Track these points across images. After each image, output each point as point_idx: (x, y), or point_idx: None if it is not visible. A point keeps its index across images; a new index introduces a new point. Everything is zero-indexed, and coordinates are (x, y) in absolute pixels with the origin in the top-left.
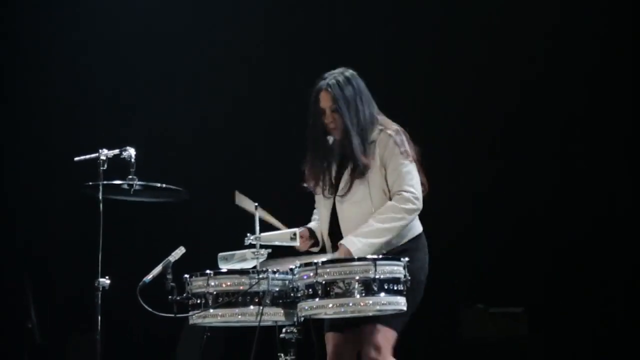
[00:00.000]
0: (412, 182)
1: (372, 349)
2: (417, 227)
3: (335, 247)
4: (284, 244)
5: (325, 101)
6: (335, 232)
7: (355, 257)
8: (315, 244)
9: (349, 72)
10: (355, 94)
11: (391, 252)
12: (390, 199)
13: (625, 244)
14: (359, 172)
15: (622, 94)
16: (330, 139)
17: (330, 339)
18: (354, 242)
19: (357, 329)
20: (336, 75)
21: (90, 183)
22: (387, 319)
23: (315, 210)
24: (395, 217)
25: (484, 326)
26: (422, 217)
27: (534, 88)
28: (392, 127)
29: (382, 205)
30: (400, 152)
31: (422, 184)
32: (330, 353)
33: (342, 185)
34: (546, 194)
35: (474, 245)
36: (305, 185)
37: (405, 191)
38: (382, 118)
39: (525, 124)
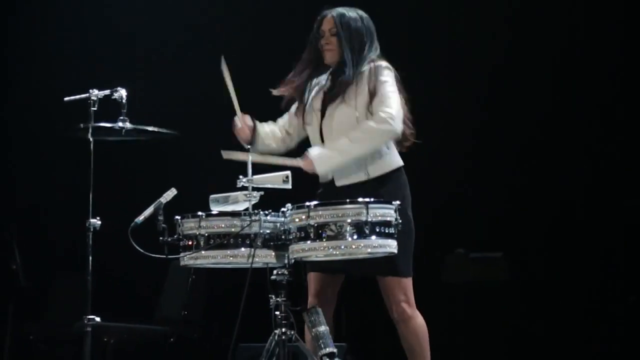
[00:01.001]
0: (390, 103)
1: (404, 302)
2: (397, 160)
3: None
4: (276, 186)
5: (327, 24)
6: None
7: (316, 167)
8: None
9: (361, 12)
10: (359, 27)
11: (370, 182)
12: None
13: (604, 190)
14: (343, 87)
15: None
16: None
17: (316, 279)
18: (318, 155)
19: (341, 275)
20: (347, 8)
21: (82, 125)
22: (404, 269)
23: (284, 117)
24: (365, 137)
25: (464, 271)
26: (405, 162)
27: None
28: (385, 63)
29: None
30: (386, 80)
31: (405, 121)
32: (314, 292)
33: (329, 111)
34: (527, 140)
35: (454, 190)
36: (282, 91)
37: (382, 112)
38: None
39: (513, 77)
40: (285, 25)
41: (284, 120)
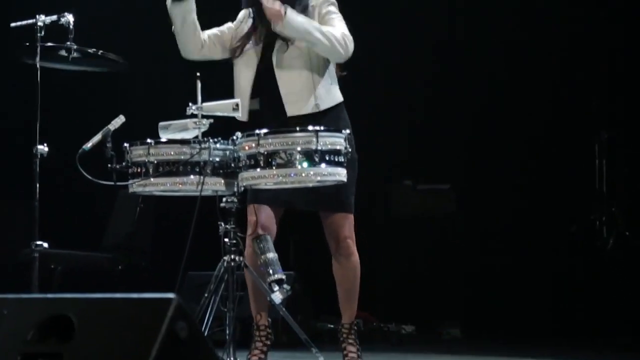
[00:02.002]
0: (345, 29)
1: (350, 238)
2: (340, 95)
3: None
4: (226, 114)
5: None
6: (266, 92)
7: (284, 18)
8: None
9: None
10: None
11: (319, 115)
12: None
13: (555, 122)
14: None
15: None
16: None
17: (259, 210)
18: (292, 12)
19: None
20: None
21: (27, 44)
22: (351, 204)
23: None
24: (332, 32)
25: (412, 203)
26: (352, 91)
27: None
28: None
29: (320, 64)
30: (336, 12)
31: None
32: (259, 222)
33: (277, 47)
34: (479, 71)
35: (402, 121)
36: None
37: (344, 30)
38: None
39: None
40: None
41: (212, 31)
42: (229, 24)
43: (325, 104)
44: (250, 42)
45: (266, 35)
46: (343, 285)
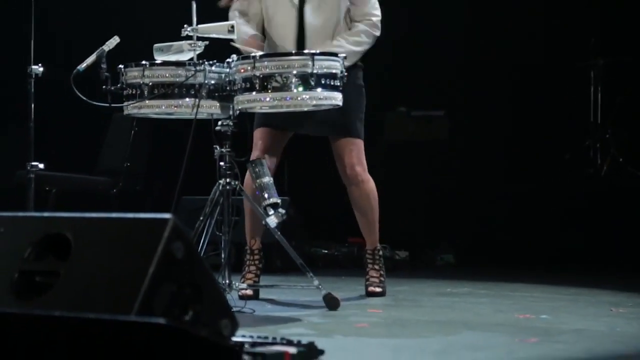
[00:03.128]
0: (377, 7)
1: (358, 165)
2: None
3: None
4: (221, 36)
5: None
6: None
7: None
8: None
9: None
10: None
11: None
12: (355, 20)
13: (550, 52)
14: None
15: None
16: None
17: (265, 134)
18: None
19: (290, 132)
20: None
21: None
22: (359, 130)
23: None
24: (364, 42)
25: (406, 129)
26: None
27: None
28: None
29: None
30: None
31: None
32: (262, 147)
33: (310, 11)
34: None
35: (397, 48)
36: None
37: (374, 16)
38: None
39: None
40: None
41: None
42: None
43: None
44: None
45: None
46: (359, 212)
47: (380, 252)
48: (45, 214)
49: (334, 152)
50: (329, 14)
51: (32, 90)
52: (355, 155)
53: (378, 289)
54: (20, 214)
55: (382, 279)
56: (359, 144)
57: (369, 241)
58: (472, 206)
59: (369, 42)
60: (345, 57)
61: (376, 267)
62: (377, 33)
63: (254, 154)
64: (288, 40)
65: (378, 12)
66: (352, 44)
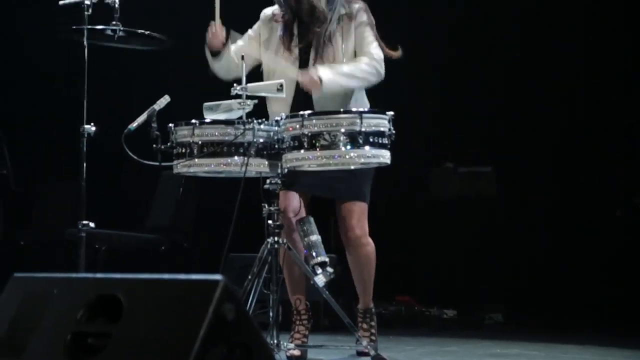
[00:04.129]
0: (379, 50)
1: (358, 228)
2: (366, 101)
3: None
4: (270, 94)
5: None
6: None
7: (322, 85)
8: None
9: None
10: None
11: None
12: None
13: (594, 105)
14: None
15: None
16: None
17: (287, 196)
18: (326, 73)
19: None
20: None
21: (74, 27)
22: (364, 194)
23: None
24: (365, 70)
25: (453, 185)
26: (393, 79)
27: None
28: (363, 5)
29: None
30: (369, 23)
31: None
32: (289, 208)
33: (314, 50)
34: (518, 53)
35: (443, 104)
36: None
37: (376, 54)
38: None
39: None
40: None
41: (237, 46)
42: (249, 33)
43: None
44: (283, 42)
45: (301, 37)
46: (355, 272)
47: (373, 311)
48: (98, 275)
49: (337, 211)
50: (332, 56)
51: (85, 149)
52: (357, 217)
53: (367, 350)
54: (73, 275)
55: (373, 338)
56: (364, 207)
57: (362, 301)
58: (521, 263)
59: (367, 72)
60: (393, 116)
61: (365, 326)
62: (379, 68)
63: (285, 217)
64: (288, 92)
65: (379, 51)
66: (350, 67)
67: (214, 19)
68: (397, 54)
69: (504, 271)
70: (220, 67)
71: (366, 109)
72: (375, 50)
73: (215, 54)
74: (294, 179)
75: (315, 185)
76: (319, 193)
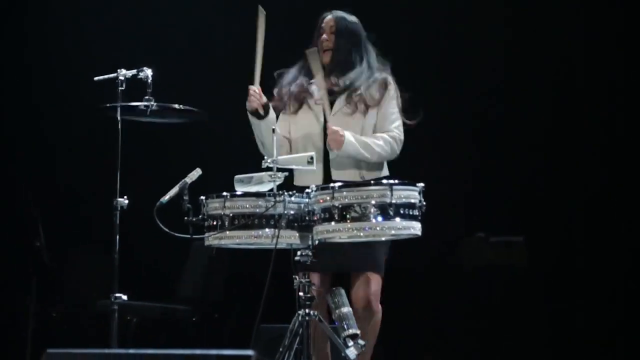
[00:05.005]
0: (400, 131)
1: (374, 299)
2: (386, 170)
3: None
4: (301, 167)
5: (327, 22)
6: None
7: (343, 144)
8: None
9: (356, 17)
10: (357, 29)
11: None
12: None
13: (628, 175)
14: (359, 99)
15: None
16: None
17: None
18: (350, 135)
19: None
20: (346, 12)
21: (108, 105)
22: (379, 266)
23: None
24: (382, 147)
25: (484, 255)
26: (424, 150)
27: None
28: (391, 79)
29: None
30: (395, 99)
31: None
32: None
33: (337, 116)
34: (550, 123)
35: (475, 173)
36: (275, 94)
37: (396, 134)
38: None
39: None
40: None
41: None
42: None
43: (370, 176)
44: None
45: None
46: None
47: None
48: (131, 351)
49: (352, 279)
50: (355, 124)
51: (117, 222)
52: (372, 287)
53: None
54: (107, 350)
55: None
56: (378, 277)
57: None
58: (554, 334)
59: (386, 151)
60: (424, 187)
61: None
62: (397, 147)
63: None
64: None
65: (400, 131)
66: (371, 139)
67: (252, 82)
68: (413, 123)
69: (536, 342)
70: (267, 131)
71: (396, 181)
72: (397, 131)
73: (258, 115)
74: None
75: (331, 263)
76: (335, 269)
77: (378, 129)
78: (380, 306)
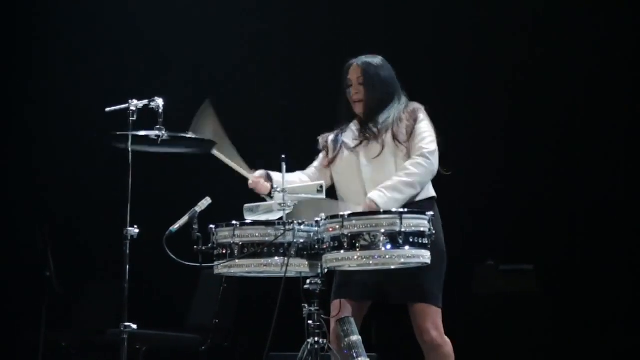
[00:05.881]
0: (432, 144)
1: (434, 330)
2: (431, 190)
3: None
4: (310, 196)
5: (353, 74)
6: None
7: (381, 210)
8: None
9: (380, 57)
10: (385, 74)
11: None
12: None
13: (636, 203)
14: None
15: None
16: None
17: (344, 307)
18: (380, 196)
19: (368, 303)
20: (369, 56)
21: (118, 133)
22: (436, 297)
23: (312, 169)
24: (412, 171)
25: (494, 283)
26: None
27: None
28: (418, 105)
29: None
30: (423, 119)
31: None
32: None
33: (370, 162)
34: (559, 152)
35: (485, 202)
36: (320, 147)
37: (424, 149)
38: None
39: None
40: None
41: (311, 170)
42: (320, 158)
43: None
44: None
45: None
46: None
47: None
48: None
49: (410, 315)
50: (384, 167)
51: (128, 251)
52: (431, 321)
53: None
54: None
55: None
56: (437, 310)
57: None
58: None
59: (418, 174)
60: (433, 216)
61: None
62: (427, 165)
63: (332, 325)
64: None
65: (430, 145)
66: (400, 176)
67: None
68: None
69: None
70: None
71: (405, 210)
72: (425, 145)
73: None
74: (357, 288)
75: (383, 292)
76: (388, 300)
77: (413, 149)
78: (446, 338)
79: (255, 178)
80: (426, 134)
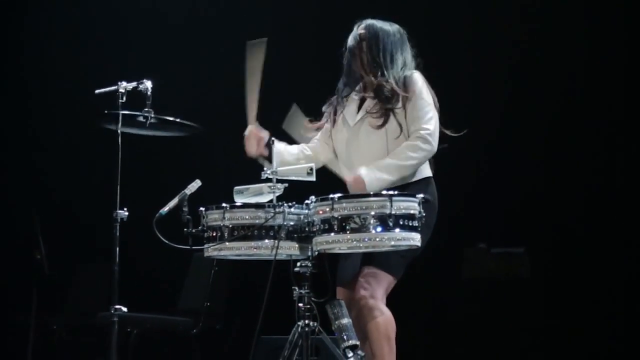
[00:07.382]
0: (430, 122)
1: (367, 293)
2: (427, 170)
3: None
4: (300, 178)
5: (357, 30)
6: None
7: (369, 192)
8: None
9: (391, 23)
10: (385, 33)
11: (397, 189)
12: (408, 137)
13: (630, 185)
14: (383, 100)
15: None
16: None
17: (341, 293)
18: (367, 173)
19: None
20: (377, 20)
21: (106, 111)
22: (388, 264)
23: (315, 141)
24: (412, 156)
25: (486, 266)
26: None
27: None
28: (414, 73)
29: (396, 140)
30: (421, 92)
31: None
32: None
33: (359, 115)
34: (551, 134)
35: (476, 184)
36: (324, 109)
37: (422, 129)
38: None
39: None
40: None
41: (314, 142)
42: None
43: (406, 179)
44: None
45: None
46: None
47: None
48: None
49: (360, 273)
50: (376, 135)
51: (117, 234)
52: (372, 280)
53: None
54: None
55: None
56: (384, 275)
57: None
58: (555, 346)
59: (417, 157)
60: (423, 198)
61: None
62: (425, 146)
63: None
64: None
65: (429, 125)
66: (393, 158)
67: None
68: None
69: (537, 354)
70: (289, 161)
71: (395, 192)
72: (425, 124)
73: (261, 156)
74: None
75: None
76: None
77: (410, 132)
78: (383, 308)
79: (254, 134)
80: (423, 112)
